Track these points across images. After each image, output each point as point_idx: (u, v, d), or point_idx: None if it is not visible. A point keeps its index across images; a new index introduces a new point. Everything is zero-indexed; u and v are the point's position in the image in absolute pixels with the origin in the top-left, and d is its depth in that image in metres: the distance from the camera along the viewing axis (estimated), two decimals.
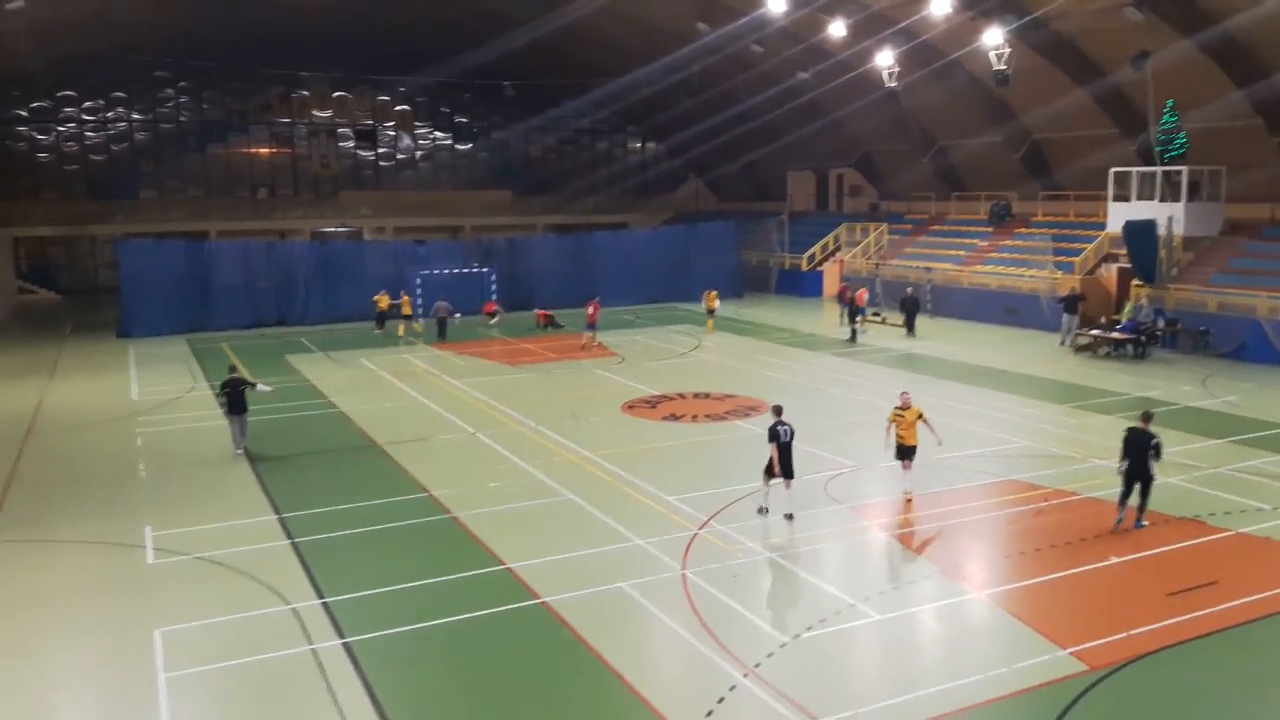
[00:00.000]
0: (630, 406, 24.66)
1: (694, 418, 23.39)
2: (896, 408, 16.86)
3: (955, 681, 10.73)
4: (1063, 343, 32.92)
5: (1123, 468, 15.19)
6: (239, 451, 20.57)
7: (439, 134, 65.74)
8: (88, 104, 57.06)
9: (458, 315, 38.27)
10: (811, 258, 50.75)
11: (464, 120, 66.14)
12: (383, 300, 38.05)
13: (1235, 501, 16.63)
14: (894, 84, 38.68)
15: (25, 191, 54.80)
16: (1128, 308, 33.39)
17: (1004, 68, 33.49)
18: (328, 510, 16.75)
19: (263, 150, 61.55)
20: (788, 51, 44.58)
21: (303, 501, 17.27)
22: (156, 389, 27.73)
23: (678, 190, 69.77)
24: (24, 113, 55.75)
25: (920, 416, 16.60)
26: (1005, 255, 41.57)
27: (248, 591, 13.39)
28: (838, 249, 50.41)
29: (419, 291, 39.80)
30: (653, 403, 25.10)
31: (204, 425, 22.96)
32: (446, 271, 42.24)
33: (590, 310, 34.18)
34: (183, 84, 58.69)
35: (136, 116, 58.29)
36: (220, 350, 33.49)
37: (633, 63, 51.72)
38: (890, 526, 15.83)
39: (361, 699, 10.55)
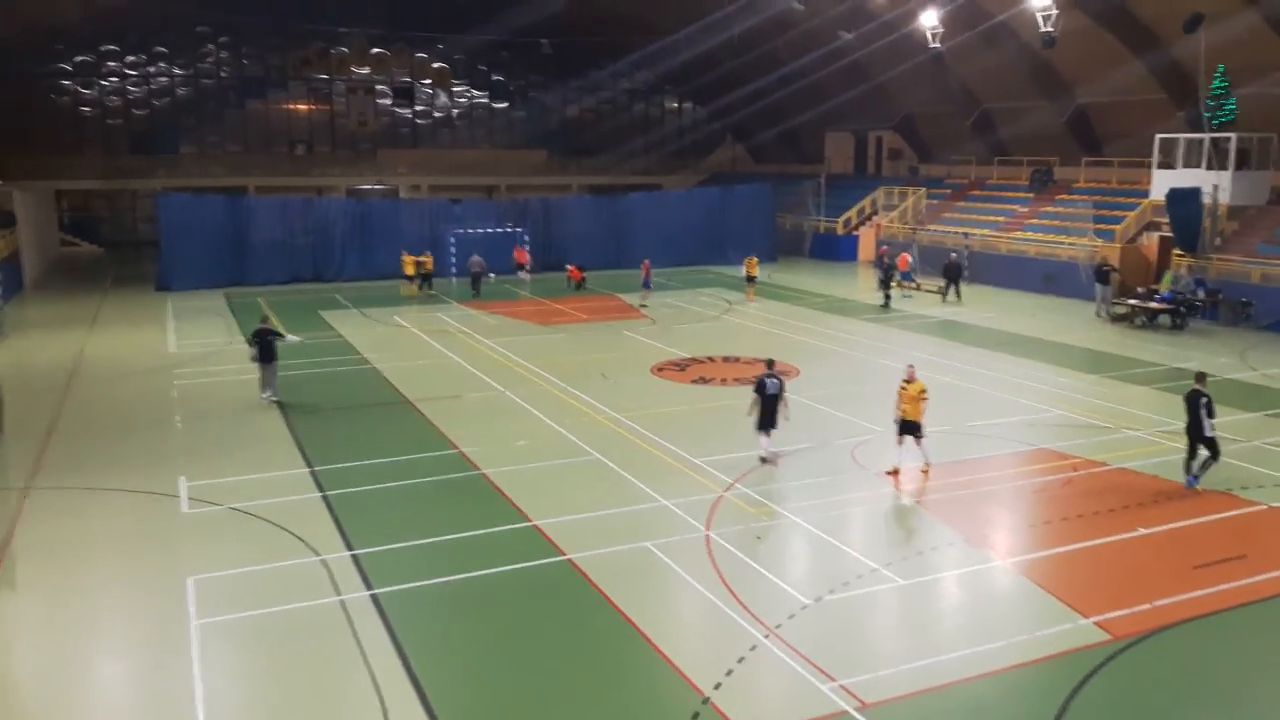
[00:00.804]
0: (660, 369, 24.68)
1: (723, 381, 23.38)
2: (903, 380, 16.67)
3: (977, 647, 10.74)
4: (1098, 314, 32.45)
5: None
6: (264, 397, 21.09)
7: (476, 92, 65.57)
8: (130, 59, 57.42)
9: (492, 275, 38.37)
10: (848, 222, 50.26)
11: (501, 79, 65.87)
12: (409, 264, 37.66)
13: (1269, 475, 16.44)
14: (938, 45, 38.01)
15: (68, 145, 55.42)
16: (1167, 277, 32.82)
17: (1051, 30, 32.78)
18: (358, 464, 16.98)
19: (301, 107, 61.77)
20: (830, 12, 43.91)
21: (334, 455, 17.52)
22: (193, 342, 28.21)
23: (714, 153, 69.18)
24: (68, 66, 56.21)
25: (923, 393, 16.35)
26: (1045, 222, 40.92)
27: (278, 542, 13.64)
28: (874, 213, 49.87)
29: (452, 250, 39.86)
30: (682, 365, 25.10)
31: (239, 379, 23.27)
32: (481, 230, 42.30)
33: (644, 272, 35.82)
34: (223, 39, 58.90)
35: (178, 71, 58.66)
36: (256, 305, 33.85)
37: (673, 24, 51.16)
38: (916, 493, 15.80)
39: (388, 649, 10.76)
